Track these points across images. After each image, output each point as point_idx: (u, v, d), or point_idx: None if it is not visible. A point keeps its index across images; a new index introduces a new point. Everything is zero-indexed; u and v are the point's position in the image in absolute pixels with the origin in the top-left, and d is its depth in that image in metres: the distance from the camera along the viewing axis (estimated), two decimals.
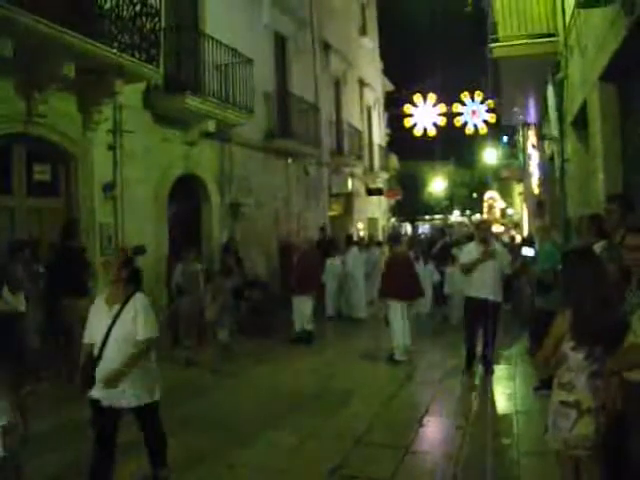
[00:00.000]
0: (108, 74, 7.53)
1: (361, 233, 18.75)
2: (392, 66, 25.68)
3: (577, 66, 7.98)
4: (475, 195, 42.85)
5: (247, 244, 11.56)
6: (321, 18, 16.39)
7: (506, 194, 33.56)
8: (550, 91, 9.86)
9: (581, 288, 3.14)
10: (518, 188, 26.84)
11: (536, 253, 7.56)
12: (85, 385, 3.84)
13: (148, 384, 3.94)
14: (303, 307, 9.54)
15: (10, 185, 7.32)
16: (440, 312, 11.27)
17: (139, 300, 3.93)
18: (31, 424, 3.64)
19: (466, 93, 22.04)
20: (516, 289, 10.04)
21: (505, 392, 6.63)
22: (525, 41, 9.50)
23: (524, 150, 19.55)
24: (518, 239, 16.69)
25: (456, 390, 6.79)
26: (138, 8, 7.69)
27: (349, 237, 13.92)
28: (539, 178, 15.90)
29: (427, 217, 43.45)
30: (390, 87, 25.85)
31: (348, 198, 18.79)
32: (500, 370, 7.42)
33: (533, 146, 16.28)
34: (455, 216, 43.75)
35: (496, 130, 24.41)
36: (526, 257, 7.90)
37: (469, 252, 7.35)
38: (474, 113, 21.94)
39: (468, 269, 7.16)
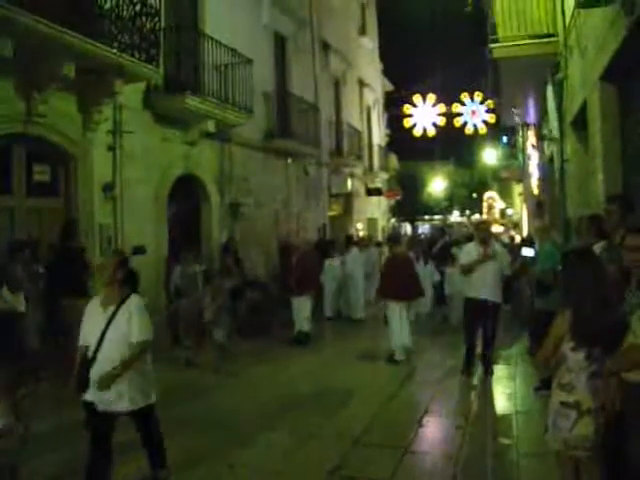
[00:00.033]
0: (108, 74, 7.53)
1: (360, 233, 18.75)
2: (392, 66, 25.71)
3: (577, 66, 7.98)
4: (475, 195, 42.85)
5: (247, 244, 11.56)
6: (321, 18, 16.39)
7: (506, 194, 33.57)
8: (550, 91, 9.86)
9: (581, 289, 3.14)
10: (518, 188, 26.83)
11: (536, 253, 7.54)
12: (79, 388, 3.81)
13: (144, 387, 3.91)
14: (302, 308, 9.54)
15: (10, 185, 7.32)
16: (440, 312, 11.27)
17: (134, 302, 3.89)
18: (31, 424, 3.63)
19: (466, 93, 22.07)
20: (516, 290, 10.03)
21: (505, 392, 6.64)
22: (525, 41, 9.50)
23: (524, 150, 19.54)
24: (518, 239, 16.68)
25: (456, 390, 6.80)
26: (138, 8, 7.69)
27: (349, 237, 13.91)
28: (539, 178, 15.89)
29: (427, 217, 43.47)
30: (390, 87, 25.85)
31: (348, 198, 18.80)
32: (500, 370, 7.42)
33: (533, 146, 16.27)
34: (455, 216, 43.77)
35: (496, 130, 24.41)
36: (526, 257, 7.89)
37: (469, 252, 7.34)
38: (474, 113, 21.96)
39: (468, 270, 7.16)
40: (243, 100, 10.55)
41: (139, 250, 8.48)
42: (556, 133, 9.83)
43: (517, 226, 25.01)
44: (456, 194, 45.32)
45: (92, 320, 3.91)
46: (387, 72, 25.14)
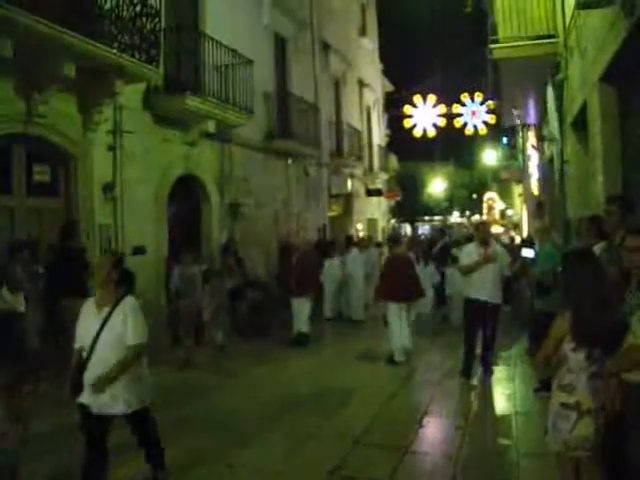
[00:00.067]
0: (108, 75, 7.53)
1: (360, 234, 18.75)
2: (392, 67, 25.74)
3: (577, 67, 7.99)
4: (475, 196, 42.87)
5: (247, 244, 11.56)
6: (321, 19, 16.40)
7: (506, 195, 33.55)
8: (550, 92, 9.86)
9: (581, 289, 3.14)
10: (518, 189, 26.83)
11: (536, 254, 7.53)
12: (74, 390, 3.79)
13: (139, 390, 3.88)
14: (301, 309, 9.54)
15: (10, 185, 7.32)
16: (440, 313, 11.27)
17: (129, 303, 3.86)
18: (31, 424, 3.63)
19: (466, 94, 22.10)
20: (516, 291, 10.03)
21: (504, 393, 6.64)
22: (525, 42, 9.51)
23: (524, 151, 19.54)
24: (517, 240, 16.68)
25: (455, 391, 6.80)
26: (138, 8, 7.69)
27: (349, 238, 13.91)
28: (539, 179, 15.89)
29: (427, 218, 43.48)
30: (390, 88, 25.86)
31: (348, 199, 18.80)
32: (499, 371, 7.41)
33: (533, 147, 16.28)
34: (455, 217, 43.78)
35: (496, 131, 24.43)
36: (526, 258, 7.88)
37: (469, 253, 7.32)
38: (474, 114, 21.98)
39: (468, 271, 7.15)
40: (243, 101, 10.56)
41: (139, 250, 8.49)
42: (556, 134, 9.83)
43: (517, 227, 25.00)
44: (456, 195, 45.34)
45: (87, 321, 3.88)
46: (387, 72, 25.16)
